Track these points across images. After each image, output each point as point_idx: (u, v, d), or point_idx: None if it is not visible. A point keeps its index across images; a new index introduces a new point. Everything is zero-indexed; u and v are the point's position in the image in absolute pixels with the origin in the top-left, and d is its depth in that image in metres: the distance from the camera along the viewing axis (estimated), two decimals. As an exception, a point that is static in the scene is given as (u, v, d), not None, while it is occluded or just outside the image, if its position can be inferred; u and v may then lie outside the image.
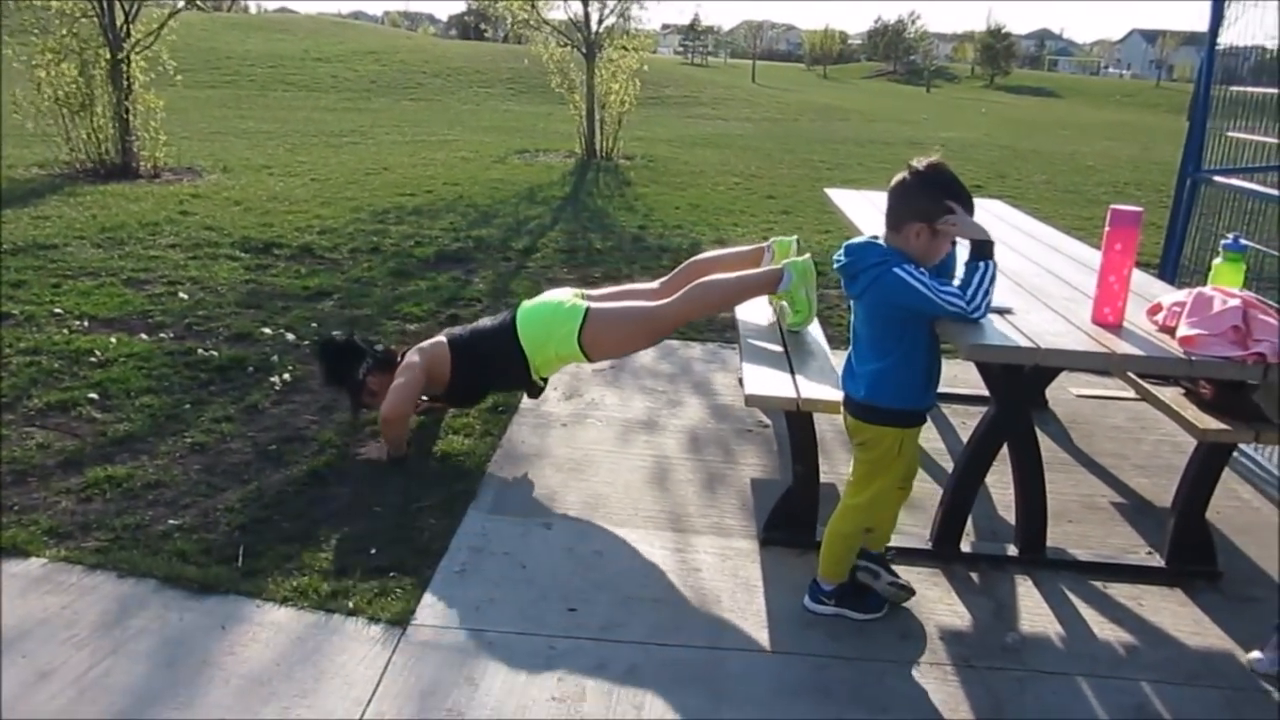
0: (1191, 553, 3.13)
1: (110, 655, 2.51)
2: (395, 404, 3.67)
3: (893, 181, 2.62)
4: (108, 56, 9.40)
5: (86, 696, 2.35)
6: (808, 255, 3.84)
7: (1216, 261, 3.05)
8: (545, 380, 3.94)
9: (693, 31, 68.90)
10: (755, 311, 4.06)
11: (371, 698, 2.40)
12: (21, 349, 4.55)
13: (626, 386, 4.59)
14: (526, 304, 3.88)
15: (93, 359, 4.47)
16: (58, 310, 5.16)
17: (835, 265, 2.67)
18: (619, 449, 3.91)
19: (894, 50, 70.42)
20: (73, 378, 4.26)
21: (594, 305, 3.76)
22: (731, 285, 3.79)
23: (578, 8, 12.91)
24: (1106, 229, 2.78)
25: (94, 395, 4.07)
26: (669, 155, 13.78)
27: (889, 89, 49.52)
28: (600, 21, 12.95)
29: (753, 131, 19.38)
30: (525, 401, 4.29)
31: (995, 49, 62.92)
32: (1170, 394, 3.16)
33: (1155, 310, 2.85)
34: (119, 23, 9.45)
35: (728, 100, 27.11)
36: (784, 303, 3.83)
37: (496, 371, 3.85)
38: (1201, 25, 4.54)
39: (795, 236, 4.17)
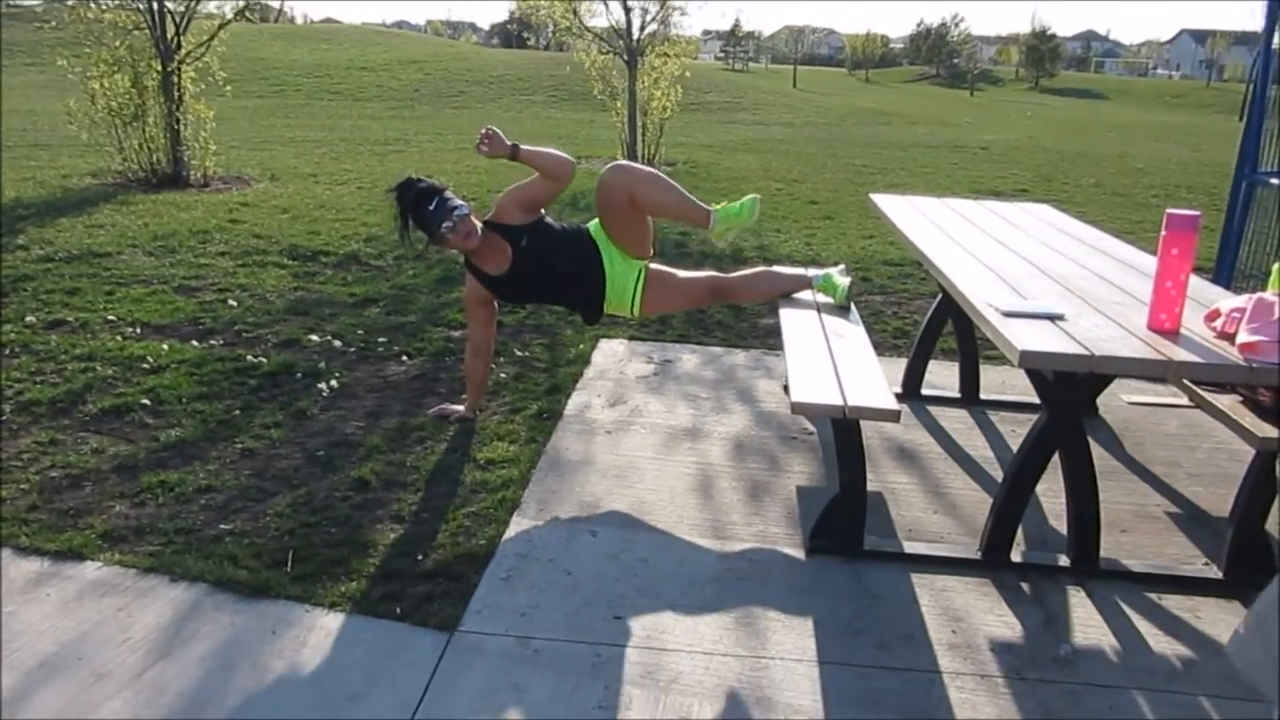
0: (1250, 564, 3.06)
1: (164, 658, 2.55)
2: None
3: None
4: (159, 68, 9.57)
5: (141, 699, 2.39)
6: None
7: (1276, 266, 2.99)
8: (604, 310, 4.06)
9: (734, 37, 68.89)
10: (800, 317, 4.04)
11: (420, 703, 2.42)
12: (76, 355, 4.65)
13: (671, 394, 4.59)
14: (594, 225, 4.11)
15: (145, 365, 4.56)
16: (111, 317, 5.26)
17: None
18: (663, 456, 3.90)
19: (937, 53, 69.72)
20: (126, 384, 4.34)
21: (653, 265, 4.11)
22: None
23: (620, 14, 12.96)
24: (1163, 233, 2.73)
25: (147, 401, 4.15)
26: (710, 161, 13.76)
27: (931, 92, 49.07)
28: (642, 28, 12.96)
29: (794, 136, 19.29)
30: (570, 408, 4.30)
31: (1040, 51, 62.09)
32: (1227, 401, 3.09)
33: (1213, 316, 2.79)
34: (170, 35, 9.64)
35: (769, 105, 27.02)
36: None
37: (573, 263, 4.00)
38: (1254, 24, 4.48)
39: (835, 270, 4.24)
